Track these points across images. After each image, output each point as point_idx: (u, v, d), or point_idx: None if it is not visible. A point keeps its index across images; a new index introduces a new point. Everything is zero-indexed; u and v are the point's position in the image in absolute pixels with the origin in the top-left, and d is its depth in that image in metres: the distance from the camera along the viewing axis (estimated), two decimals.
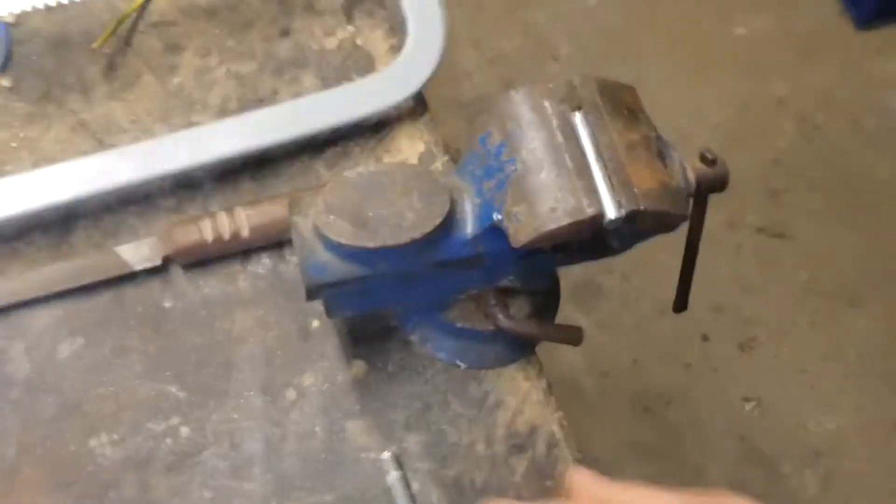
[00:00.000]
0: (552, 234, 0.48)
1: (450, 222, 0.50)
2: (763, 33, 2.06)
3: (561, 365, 1.68)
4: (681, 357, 1.71)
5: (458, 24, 2.02)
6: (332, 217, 0.49)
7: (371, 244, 0.48)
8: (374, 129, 0.69)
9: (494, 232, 0.50)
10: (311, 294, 0.51)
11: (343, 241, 0.48)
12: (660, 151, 0.53)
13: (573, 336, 0.59)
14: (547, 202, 0.48)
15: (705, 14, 2.07)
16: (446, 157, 0.69)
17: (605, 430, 1.64)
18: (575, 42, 2.01)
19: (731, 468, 1.61)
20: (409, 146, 0.69)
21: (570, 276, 1.83)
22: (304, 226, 0.50)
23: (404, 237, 0.49)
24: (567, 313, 1.89)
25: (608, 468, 1.74)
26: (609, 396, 1.67)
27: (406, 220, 0.49)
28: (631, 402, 1.67)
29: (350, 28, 0.74)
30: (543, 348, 0.64)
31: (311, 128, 0.66)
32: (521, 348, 0.63)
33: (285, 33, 0.73)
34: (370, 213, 0.49)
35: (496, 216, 0.49)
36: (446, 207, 0.49)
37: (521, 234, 0.48)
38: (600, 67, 1.98)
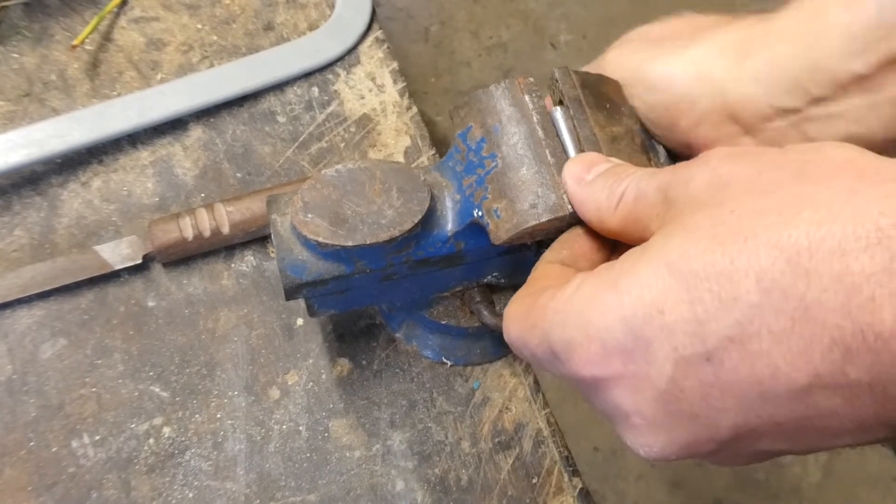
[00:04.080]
0: (533, 231, 0.47)
1: (429, 220, 0.49)
2: None
3: None
4: None
5: (456, 12, 2.01)
6: (309, 216, 0.48)
7: (349, 243, 0.48)
8: (359, 123, 0.69)
9: (475, 229, 0.49)
10: (290, 293, 0.50)
11: (320, 239, 0.48)
12: (644, 144, 0.52)
13: None
14: (527, 198, 0.47)
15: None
16: (433, 152, 0.69)
17: (607, 419, 1.63)
18: (574, 30, 1.99)
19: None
20: (394, 141, 0.69)
21: None
22: (282, 224, 0.50)
23: (383, 235, 0.48)
24: None
25: (608, 458, 1.74)
26: None
27: (385, 218, 0.48)
28: None
29: None
30: None
31: (253, 84, 0.69)
32: (507, 344, 0.62)
33: (269, 27, 0.72)
34: (349, 211, 0.48)
35: (476, 213, 0.49)
36: (426, 205, 0.49)
37: (501, 230, 0.47)
38: (599, 55, 1.97)
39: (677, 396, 0.35)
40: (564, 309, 0.38)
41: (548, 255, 0.46)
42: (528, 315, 0.41)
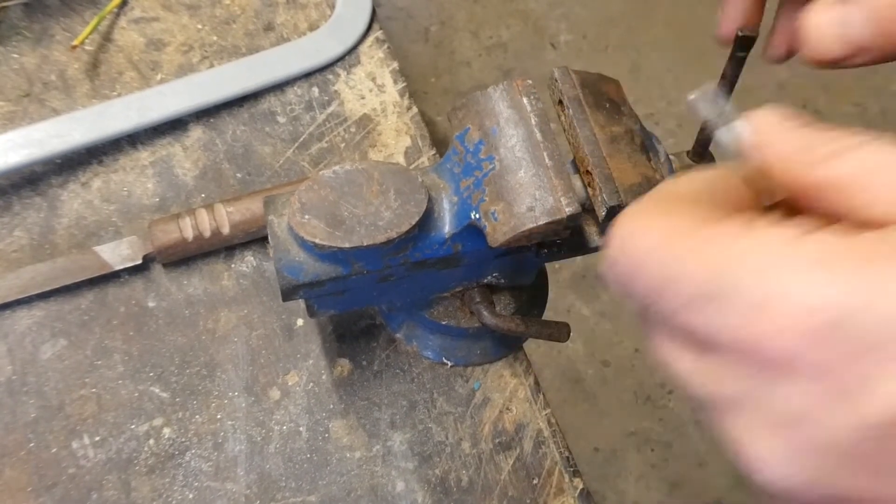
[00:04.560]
0: (529, 234, 0.47)
1: (427, 221, 0.49)
2: (764, 17, 2.04)
3: (562, 355, 1.68)
4: None
5: (456, 12, 2.01)
6: (306, 217, 0.48)
7: (346, 244, 0.48)
8: (359, 124, 0.69)
9: (472, 231, 0.49)
10: (287, 295, 0.50)
11: (317, 241, 0.47)
12: (644, 144, 0.52)
13: (560, 332, 0.58)
14: (525, 201, 0.47)
15: None
16: (433, 152, 0.69)
17: (607, 419, 1.63)
18: (574, 30, 1.99)
19: (734, 457, 1.61)
20: (394, 141, 0.69)
21: (571, 265, 1.83)
22: (279, 225, 0.50)
23: (380, 237, 0.48)
24: (569, 302, 1.90)
25: (609, 458, 1.74)
26: (610, 386, 1.66)
27: (382, 220, 0.48)
28: (632, 391, 1.66)
29: None
30: None
31: (253, 85, 0.69)
32: (507, 345, 0.62)
33: (269, 27, 0.72)
34: (346, 213, 0.48)
35: (474, 215, 0.48)
36: (423, 206, 0.49)
37: (498, 233, 0.47)
38: (599, 55, 1.97)
39: (872, 443, 0.26)
40: (777, 257, 0.28)
41: (683, 182, 0.34)
42: (686, 234, 0.30)
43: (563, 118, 0.51)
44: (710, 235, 0.29)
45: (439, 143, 0.71)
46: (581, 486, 0.59)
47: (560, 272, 1.74)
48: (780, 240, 0.28)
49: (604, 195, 0.47)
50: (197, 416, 0.58)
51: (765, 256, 0.28)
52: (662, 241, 0.30)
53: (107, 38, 0.70)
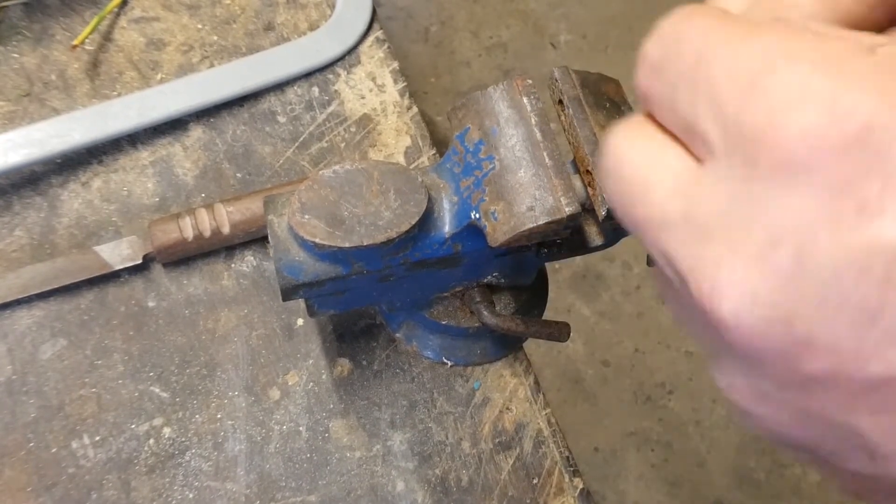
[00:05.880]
0: (529, 234, 0.47)
1: (427, 221, 0.49)
2: None
3: (562, 354, 1.68)
4: (682, 345, 1.71)
5: (456, 12, 2.01)
6: (306, 216, 0.48)
7: (346, 244, 0.48)
8: (359, 123, 0.69)
9: (472, 231, 0.49)
10: (287, 294, 0.50)
11: (317, 240, 0.47)
12: None
13: (560, 332, 0.58)
14: (525, 201, 0.47)
15: None
16: (433, 152, 0.69)
17: (607, 419, 1.63)
18: (574, 30, 1.99)
19: (733, 457, 1.61)
20: (395, 141, 0.69)
21: (571, 265, 1.83)
22: (279, 225, 0.50)
23: (380, 237, 0.48)
24: (569, 302, 1.90)
25: (609, 458, 1.74)
26: (610, 386, 1.66)
27: (382, 220, 0.48)
28: (632, 391, 1.66)
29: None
30: None
31: (254, 84, 0.69)
32: (507, 344, 0.62)
33: (269, 27, 0.72)
34: (346, 213, 0.48)
35: (474, 215, 0.48)
36: (423, 206, 0.49)
37: (498, 233, 0.47)
38: (599, 55, 1.97)
39: (870, 275, 0.22)
40: (837, 63, 0.23)
41: None
42: (743, 22, 0.26)
43: (563, 118, 0.51)
44: (772, 28, 0.25)
45: (439, 143, 0.71)
46: (581, 486, 0.59)
47: (560, 272, 1.74)
48: (849, 49, 0.24)
49: (604, 195, 0.48)
50: (197, 416, 0.58)
51: (822, 60, 0.24)
52: (714, 24, 0.26)
53: (107, 37, 0.70)
